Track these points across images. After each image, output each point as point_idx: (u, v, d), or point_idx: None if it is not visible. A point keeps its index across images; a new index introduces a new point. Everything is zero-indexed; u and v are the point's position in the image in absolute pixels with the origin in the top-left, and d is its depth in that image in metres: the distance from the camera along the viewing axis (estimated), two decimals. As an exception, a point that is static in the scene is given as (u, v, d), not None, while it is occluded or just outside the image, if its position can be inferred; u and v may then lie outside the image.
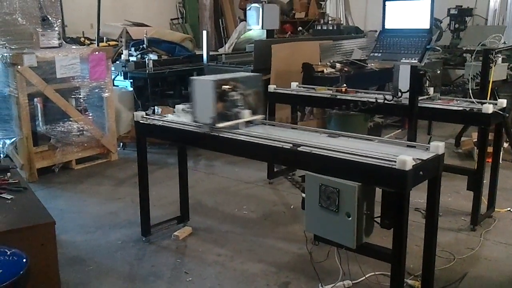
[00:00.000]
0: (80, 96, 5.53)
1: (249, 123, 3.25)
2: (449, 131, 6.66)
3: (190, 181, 4.07)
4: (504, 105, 3.81)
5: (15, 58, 4.89)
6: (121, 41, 7.35)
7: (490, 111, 3.64)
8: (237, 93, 3.16)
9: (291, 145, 2.78)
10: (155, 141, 5.82)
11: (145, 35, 6.98)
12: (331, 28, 9.30)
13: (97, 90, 5.65)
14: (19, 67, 4.91)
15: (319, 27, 9.55)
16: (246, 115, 3.20)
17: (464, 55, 7.67)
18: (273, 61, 5.95)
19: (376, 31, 8.58)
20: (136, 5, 10.44)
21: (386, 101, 3.80)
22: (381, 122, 6.80)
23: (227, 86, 3.14)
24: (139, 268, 3.42)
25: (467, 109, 3.81)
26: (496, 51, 5.02)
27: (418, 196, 3.73)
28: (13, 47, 5.13)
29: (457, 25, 8.65)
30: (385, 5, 3.57)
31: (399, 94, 3.79)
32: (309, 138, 2.92)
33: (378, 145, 2.82)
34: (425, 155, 2.54)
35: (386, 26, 3.58)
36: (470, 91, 4.03)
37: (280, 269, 3.36)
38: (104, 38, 7.67)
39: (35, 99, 5.19)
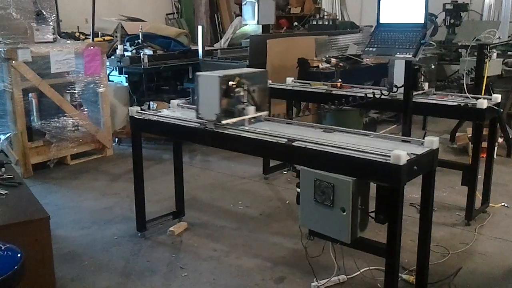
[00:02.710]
0: (75, 91, 5.52)
1: (252, 119, 3.20)
2: (444, 126, 6.67)
3: (185, 177, 4.07)
4: (499, 100, 3.82)
5: (9, 53, 4.87)
6: (116, 36, 7.31)
7: (484, 106, 3.66)
8: (242, 89, 3.09)
9: (286, 140, 2.79)
10: (151, 137, 5.82)
11: (140, 30, 6.95)
12: (326, 23, 9.28)
13: (92, 85, 5.63)
14: (13, 62, 4.89)
15: (314, 22, 9.54)
16: (251, 111, 3.16)
17: (459, 50, 7.68)
18: (268, 56, 5.94)
19: (371, 26, 8.56)
20: (132, 0, 10.40)
21: (383, 96, 3.79)
22: (376, 118, 6.81)
23: (233, 82, 3.06)
24: (134, 263, 3.42)
25: (462, 104, 3.82)
26: (490, 46, 5.03)
27: (412, 191, 3.74)
28: (7, 42, 5.11)
29: (452, 20, 8.65)
30: (379, 0, 3.56)
31: (394, 89, 3.80)
32: (304, 133, 2.93)
33: (373, 140, 2.82)
34: (420, 150, 2.55)
35: (381, 21, 3.58)
36: (465, 86, 4.03)
37: (275, 264, 3.37)
38: (99, 33, 7.64)
39: (30, 94, 5.18)
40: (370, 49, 3.58)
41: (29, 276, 2.21)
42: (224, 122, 3.05)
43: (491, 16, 8.81)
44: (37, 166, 5.27)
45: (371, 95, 3.76)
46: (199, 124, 3.19)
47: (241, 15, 7.54)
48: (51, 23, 5.39)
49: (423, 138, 2.66)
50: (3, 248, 2.10)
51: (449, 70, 8.15)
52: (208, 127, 3.12)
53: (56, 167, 5.43)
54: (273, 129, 3.04)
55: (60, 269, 3.21)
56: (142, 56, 6.40)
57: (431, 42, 3.59)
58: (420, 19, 3.38)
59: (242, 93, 3.10)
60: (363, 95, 3.81)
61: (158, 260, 3.44)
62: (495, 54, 5.18)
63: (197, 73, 3.18)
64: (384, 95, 3.83)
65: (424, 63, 3.91)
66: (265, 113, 3.27)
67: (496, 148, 4.71)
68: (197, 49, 6.77)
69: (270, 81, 4.86)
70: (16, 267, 1.99)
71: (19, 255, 2.07)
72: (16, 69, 4.92)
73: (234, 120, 3.10)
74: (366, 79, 6.31)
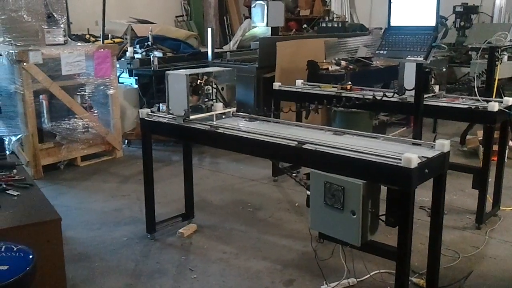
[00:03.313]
0: (85, 93, 5.55)
1: (223, 115, 3.46)
2: (454, 129, 6.64)
3: (195, 179, 4.07)
4: (510, 103, 3.78)
5: (20, 55, 4.90)
6: (126, 38, 7.35)
7: (495, 109, 3.63)
8: (210, 86, 3.38)
9: (296, 142, 2.79)
10: (160, 139, 5.84)
11: (150, 32, 6.98)
12: (336, 25, 9.27)
13: (102, 87, 5.66)
14: (24, 64, 4.92)
15: (324, 25, 9.53)
16: (219, 108, 3.42)
17: (470, 53, 7.62)
18: (278, 58, 5.94)
19: (381, 28, 8.56)
20: (141, 2, 10.44)
21: (385, 97, 3.79)
22: (386, 120, 6.80)
23: (201, 80, 3.34)
24: (144, 265, 3.43)
25: (473, 107, 3.80)
26: (502, 48, 5.00)
27: (423, 194, 3.73)
28: (18, 44, 5.14)
29: (462, 23, 8.60)
30: (390, 2, 3.55)
31: (403, 91, 3.79)
32: (314, 135, 2.93)
33: (383, 143, 2.82)
34: (431, 153, 2.54)
35: (392, 24, 3.57)
36: (476, 89, 4.01)
37: (285, 267, 3.37)
38: (109, 35, 7.67)
39: (41, 96, 5.22)
40: (381, 51, 3.57)
41: (40, 277, 2.23)
42: (192, 117, 3.27)
43: (502, 18, 8.76)
44: (47, 167, 5.30)
45: (370, 97, 3.77)
46: (172, 120, 3.39)
47: (250, 17, 7.56)
48: (61, 26, 5.42)
49: (434, 141, 2.64)
50: (15, 249, 2.12)
51: (459, 73, 8.11)
52: (177, 122, 3.32)
53: (66, 169, 5.46)
54: (275, 130, 3.05)
55: (70, 270, 3.22)
56: (152, 58, 6.43)
57: (442, 45, 3.57)
58: (432, 22, 3.36)
59: (210, 91, 3.38)
60: (371, 97, 3.81)
61: (168, 262, 3.45)
62: (506, 57, 5.16)
63: (167, 71, 3.39)
64: (387, 97, 3.81)
65: (435, 66, 3.90)
66: (233, 109, 3.51)
67: (507, 151, 4.67)
68: (207, 52, 6.79)
69: (279, 83, 4.91)
70: (28, 268, 2.00)
71: (31, 256, 2.09)
72: (27, 71, 4.96)
73: (202, 115, 3.33)
74: (376, 81, 6.31)
